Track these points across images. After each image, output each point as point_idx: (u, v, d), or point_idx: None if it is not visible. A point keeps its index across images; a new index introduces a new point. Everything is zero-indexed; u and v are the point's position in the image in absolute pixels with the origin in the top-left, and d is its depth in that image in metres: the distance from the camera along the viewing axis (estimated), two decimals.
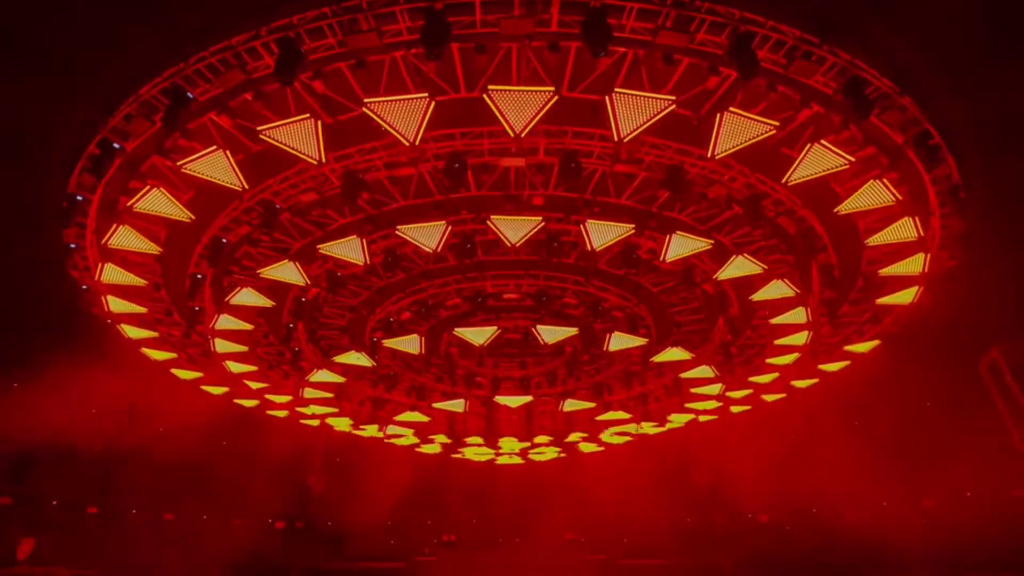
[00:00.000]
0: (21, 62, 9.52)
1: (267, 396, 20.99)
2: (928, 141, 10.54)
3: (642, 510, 31.52)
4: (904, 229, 12.00)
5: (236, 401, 21.22)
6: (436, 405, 18.46)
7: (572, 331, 17.08)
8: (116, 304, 14.37)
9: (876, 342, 17.53)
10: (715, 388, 20.31)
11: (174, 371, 18.94)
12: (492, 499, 34.56)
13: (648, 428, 24.15)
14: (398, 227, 12.76)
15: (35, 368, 20.37)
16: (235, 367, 18.34)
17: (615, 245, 15.63)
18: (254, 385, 19.83)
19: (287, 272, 13.84)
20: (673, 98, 9.40)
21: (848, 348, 17.93)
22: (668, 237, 13.08)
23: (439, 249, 13.01)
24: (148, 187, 10.94)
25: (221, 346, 16.69)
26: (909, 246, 12.58)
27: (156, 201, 11.15)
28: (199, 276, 14.53)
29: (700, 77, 10.02)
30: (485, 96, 9.23)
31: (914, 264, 13.14)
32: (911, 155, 10.83)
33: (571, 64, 10.26)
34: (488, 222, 12.20)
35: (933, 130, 10.42)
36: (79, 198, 11.69)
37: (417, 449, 26.06)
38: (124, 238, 12.00)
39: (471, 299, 17.87)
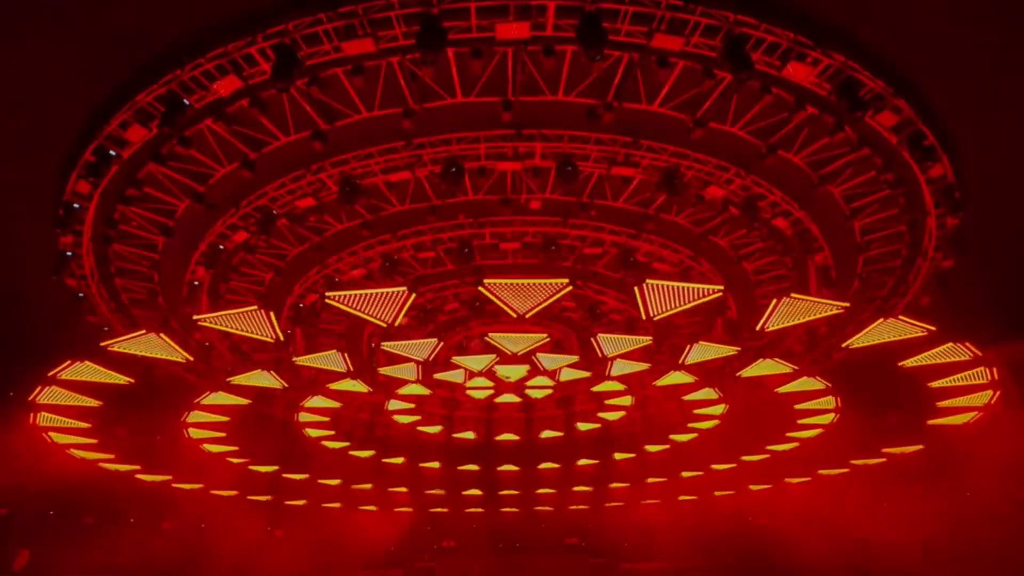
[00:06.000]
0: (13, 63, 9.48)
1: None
2: (923, 141, 10.60)
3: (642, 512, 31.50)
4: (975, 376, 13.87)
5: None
6: (437, 376, 18.34)
7: (573, 358, 17.20)
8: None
9: None
10: (719, 408, 20.49)
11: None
12: (493, 504, 34.40)
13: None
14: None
15: None
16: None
17: (612, 248, 15.75)
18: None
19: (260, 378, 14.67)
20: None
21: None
22: (689, 346, 13.77)
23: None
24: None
25: None
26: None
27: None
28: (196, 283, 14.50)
29: (695, 80, 10.07)
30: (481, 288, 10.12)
31: (980, 398, 14.93)
32: (906, 156, 10.89)
33: (567, 67, 10.30)
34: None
35: (927, 131, 10.48)
36: (75, 206, 11.67)
37: (418, 428, 25.55)
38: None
39: (469, 303, 17.88)
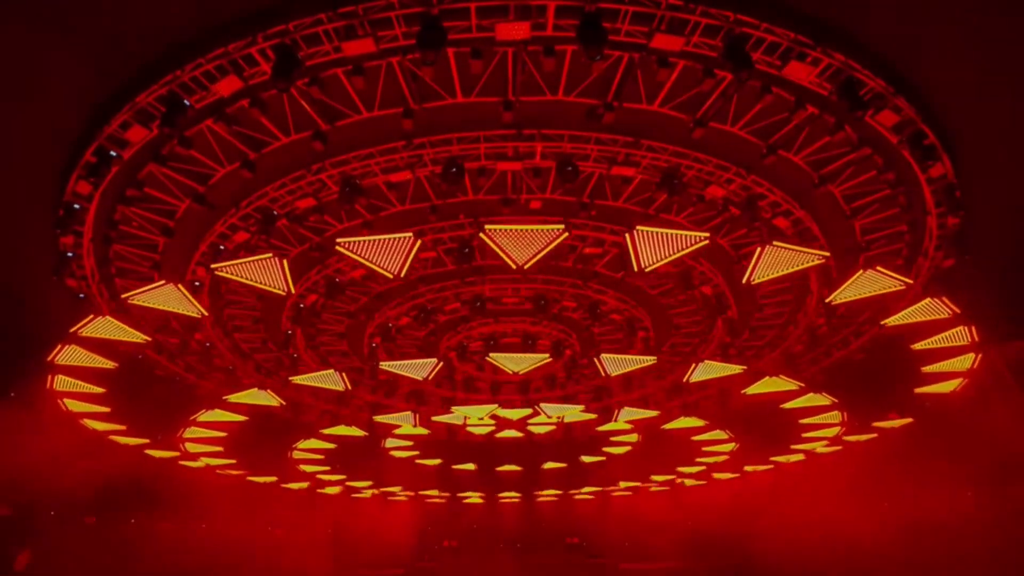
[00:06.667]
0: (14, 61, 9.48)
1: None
2: (923, 141, 10.60)
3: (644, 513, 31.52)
4: (956, 336, 13.44)
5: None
6: (436, 418, 18.47)
7: (580, 407, 17.35)
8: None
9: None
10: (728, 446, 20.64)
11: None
12: (493, 503, 34.43)
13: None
14: None
15: None
16: None
17: (612, 248, 15.77)
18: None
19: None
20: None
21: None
22: (694, 365, 14.02)
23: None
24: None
25: None
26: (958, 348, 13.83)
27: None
28: (197, 284, 14.51)
29: (695, 79, 10.07)
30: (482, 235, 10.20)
31: (962, 362, 14.63)
32: (906, 155, 10.89)
33: (567, 67, 10.29)
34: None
35: (928, 130, 10.48)
36: (76, 206, 11.67)
37: (417, 462, 26.06)
38: None
39: (470, 303, 17.88)
